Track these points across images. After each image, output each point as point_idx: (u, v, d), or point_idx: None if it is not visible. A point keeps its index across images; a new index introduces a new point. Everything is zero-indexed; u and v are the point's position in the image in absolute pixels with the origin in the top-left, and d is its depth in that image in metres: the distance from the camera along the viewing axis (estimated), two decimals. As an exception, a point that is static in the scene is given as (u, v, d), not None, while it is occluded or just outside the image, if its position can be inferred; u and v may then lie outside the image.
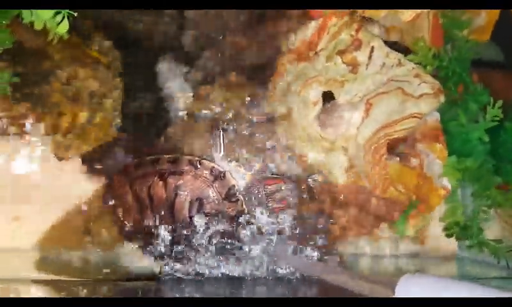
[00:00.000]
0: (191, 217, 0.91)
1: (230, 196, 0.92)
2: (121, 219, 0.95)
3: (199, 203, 0.91)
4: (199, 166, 0.92)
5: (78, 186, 0.98)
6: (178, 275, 0.92)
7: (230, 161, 0.95)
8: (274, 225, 0.94)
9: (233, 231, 0.93)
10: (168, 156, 0.94)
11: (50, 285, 0.90)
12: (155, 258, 0.93)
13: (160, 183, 0.91)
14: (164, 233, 0.92)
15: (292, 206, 0.94)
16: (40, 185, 0.98)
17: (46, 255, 0.96)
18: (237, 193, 0.93)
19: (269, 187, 0.94)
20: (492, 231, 1.02)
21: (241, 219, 0.93)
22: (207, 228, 0.92)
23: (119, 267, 0.96)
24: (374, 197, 1.00)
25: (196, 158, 0.93)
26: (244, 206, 0.93)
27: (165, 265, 0.92)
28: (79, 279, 0.93)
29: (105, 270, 0.94)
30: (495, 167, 1.00)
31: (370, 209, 1.00)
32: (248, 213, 0.93)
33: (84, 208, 0.98)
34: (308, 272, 0.91)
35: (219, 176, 0.92)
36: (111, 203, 0.96)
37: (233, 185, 0.93)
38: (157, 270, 0.93)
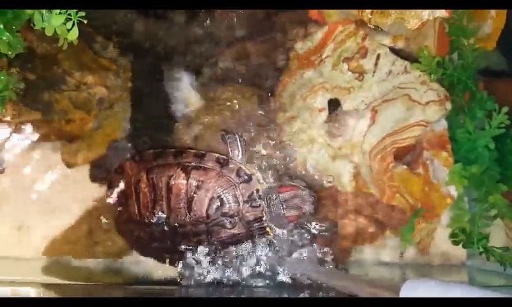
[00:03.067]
0: (207, 214, 0.91)
1: (251, 200, 0.92)
2: (128, 206, 0.95)
3: (219, 202, 0.91)
4: (226, 165, 0.92)
5: (86, 193, 0.99)
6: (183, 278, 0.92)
7: (251, 165, 0.95)
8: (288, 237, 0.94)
9: (245, 236, 0.93)
10: (194, 150, 0.93)
11: (57, 289, 0.91)
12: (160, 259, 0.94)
13: (183, 175, 0.90)
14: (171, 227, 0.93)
15: (308, 214, 0.93)
16: (47, 193, 0.99)
17: (52, 262, 0.97)
18: (260, 199, 0.92)
19: (283, 194, 0.92)
20: (499, 239, 1.02)
21: (256, 225, 0.93)
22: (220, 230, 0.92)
23: (124, 272, 0.96)
24: (380, 204, 1.00)
25: (224, 157, 0.92)
26: (264, 213, 0.92)
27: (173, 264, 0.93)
28: (85, 284, 0.93)
29: (110, 275, 0.95)
30: (502, 175, 1.00)
31: (377, 216, 1.00)
32: (264, 220, 0.93)
33: (92, 215, 0.98)
34: (313, 278, 0.90)
35: (244, 179, 0.92)
36: (119, 189, 0.96)
37: (258, 190, 0.92)
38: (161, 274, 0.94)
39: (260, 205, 0.91)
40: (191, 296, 0.87)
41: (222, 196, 0.91)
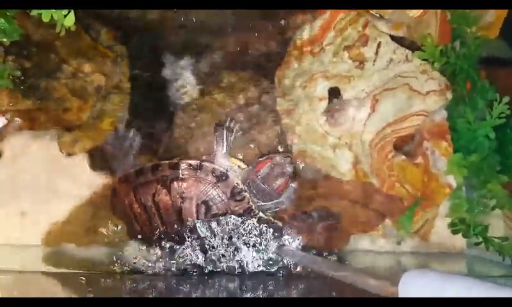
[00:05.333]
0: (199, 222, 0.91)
1: (235, 194, 0.91)
2: (132, 225, 0.95)
3: (206, 206, 0.90)
4: (200, 170, 0.91)
5: (85, 181, 0.98)
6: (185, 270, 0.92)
7: (231, 156, 0.95)
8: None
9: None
10: (168, 162, 0.92)
11: (57, 277, 0.91)
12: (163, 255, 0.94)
13: (164, 190, 0.90)
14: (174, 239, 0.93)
15: (291, 177, 0.92)
16: (46, 181, 0.98)
17: (52, 250, 0.97)
18: (242, 191, 0.92)
19: (261, 171, 0.92)
20: (498, 229, 1.02)
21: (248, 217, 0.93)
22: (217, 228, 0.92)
23: (124, 260, 0.96)
24: (379, 194, 1.00)
25: (196, 162, 0.91)
26: (251, 202, 0.92)
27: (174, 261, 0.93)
28: (85, 272, 0.93)
29: (111, 264, 0.95)
30: (502, 165, 1.00)
31: (376, 206, 1.00)
32: (254, 209, 0.93)
33: (92, 203, 0.98)
34: (312, 267, 0.90)
35: (221, 177, 0.91)
36: (120, 212, 0.96)
37: (237, 184, 0.92)
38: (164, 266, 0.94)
39: (244, 197, 0.91)
40: (191, 288, 0.87)
41: (206, 200, 0.90)
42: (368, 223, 1.01)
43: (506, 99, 0.96)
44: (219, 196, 0.91)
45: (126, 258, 0.95)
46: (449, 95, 0.98)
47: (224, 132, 0.94)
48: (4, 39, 0.79)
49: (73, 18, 0.76)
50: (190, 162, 0.91)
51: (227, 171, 0.91)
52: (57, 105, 0.95)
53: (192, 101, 1.00)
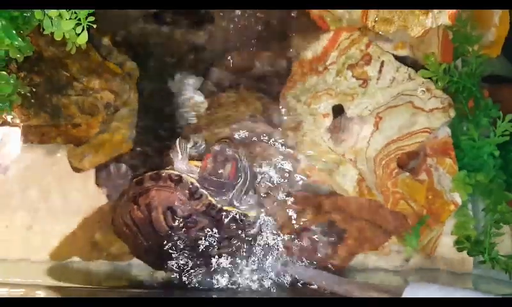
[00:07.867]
0: (170, 228, 0.92)
1: (192, 194, 0.92)
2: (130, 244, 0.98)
3: (171, 211, 0.91)
4: (158, 178, 0.92)
5: (91, 197, 1.00)
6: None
7: (189, 160, 0.95)
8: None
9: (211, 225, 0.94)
10: (135, 179, 0.94)
11: (63, 292, 0.91)
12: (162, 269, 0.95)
13: (135, 207, 0.92)
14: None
15: (236, 159, 0.93)
16: (53, 196, 1.00)
17: (58, 264, 0.98)
18: (198, 189, 0.92)
19: (207, 168, 0.92)
20: (504, 246, 1.01)
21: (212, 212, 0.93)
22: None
23: (128, 275, 0.97)
24: (384, 211, 1.00)
25: (154, 173, 0.93)
26: (210, 198, 0.92)
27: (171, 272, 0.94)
28: (89, 287, 0.94)
29: (115, 278, 0.96)
30: (506, 182, 1.00)
31: (381, 223, 1.00)
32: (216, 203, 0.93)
33: (97, 218, 1.00)
34: (316, 283, 0.90)
35: (177, 181, 0.92)
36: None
37: (192, 183, 0.92)
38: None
39: (202, 195, 0.92)
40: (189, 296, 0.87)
41: (170, 206, 0.91)
42: (373, 240, 1.00)
43: (510, 116, 0.97)
44: (180, 199, 0.91)
45: (131, 272, 0.96)
46: (452, 113, 0.98)
47: (177, 142, 0.95)
48: (18, 56, 0.81)
49: (86, 37, 0.78)
50: (150, 174, 0.93)
51: (181, 173, 0.93)
52: (67, 121, 0.96)
53: (199, 117, 1.02)
